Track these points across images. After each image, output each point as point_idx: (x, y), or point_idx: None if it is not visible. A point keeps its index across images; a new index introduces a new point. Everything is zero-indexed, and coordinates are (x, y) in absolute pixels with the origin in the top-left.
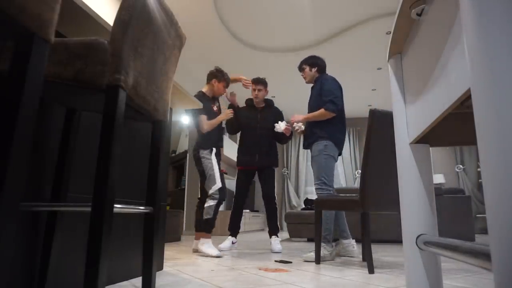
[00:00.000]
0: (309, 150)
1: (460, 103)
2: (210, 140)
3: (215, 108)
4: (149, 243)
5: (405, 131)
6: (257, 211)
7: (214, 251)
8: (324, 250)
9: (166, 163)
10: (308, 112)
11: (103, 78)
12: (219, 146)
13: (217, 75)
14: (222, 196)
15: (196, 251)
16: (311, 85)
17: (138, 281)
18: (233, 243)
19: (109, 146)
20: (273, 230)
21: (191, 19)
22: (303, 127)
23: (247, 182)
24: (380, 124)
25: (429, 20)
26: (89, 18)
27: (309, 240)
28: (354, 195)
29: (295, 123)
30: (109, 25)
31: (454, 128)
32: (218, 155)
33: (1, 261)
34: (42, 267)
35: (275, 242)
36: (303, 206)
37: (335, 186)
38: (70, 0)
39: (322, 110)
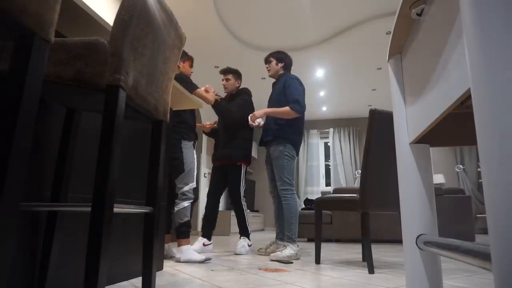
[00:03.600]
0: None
1: (460, 103)
2: (193, 130)
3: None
4: (149, 243)
5: (405, 131)
6: (257, 211)
7: (201, 256)
8: (290, 250)
9: (166, 163)
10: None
11: (103, 78)
12: (196, 139)
13: (181, 55)
14: (196, 197)
15: (178, 261)
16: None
17: (138, 281)
18: (204, 244)
19: (109, 146)
20: (241, 232)
21: (191, 19)
22: (262, 122)
23: (218, 178)
24: (380, 124)
25: (429, 20)
26: (89, 18)
27: (309, 240)
28: (354, 195)
29: (255, 121)
30: (109, 25)
31: (454, 128)
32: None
33: (1, 261)
34: (42, 267)
35: (240, 245)
36: (303, 206)
37: (335, 186)
38: (70, 0)
39: (287, 108)
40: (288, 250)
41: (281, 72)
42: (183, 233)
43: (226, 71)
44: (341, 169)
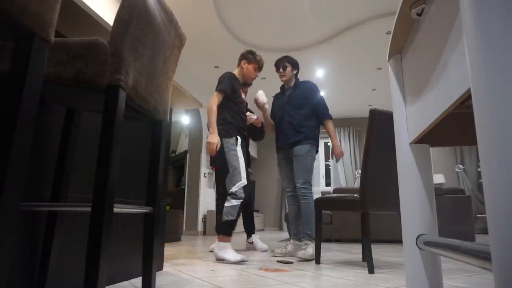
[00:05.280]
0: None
1: (460, 103)
2: (233, 125)
3: (243, 95)
4: (149, 243)
5: (405, 131)
6: (257, 211)
7: (235, 256)
8: (311, 248)
9: (166, 163)
10: (289, 113)
11: (103, 78)
12: (244, 133)
13: (247, 56)
14: (247, 195)
15: (212, 251)
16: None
17: (138, 281)
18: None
19: (109, 146)
20: (252, 229)
21: (191, 19)
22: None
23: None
24: (380, 124)
25: (429, 20)
26: (89, 18)
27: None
28: (354, 195)
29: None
30: (109, 25)
31: (454, 128)
32: (244, 146)
33: (1, 261)
34: (42, 267)
35: (259, 241)
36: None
37: (335, 186)
38: (70, 0)
39: (331, 125)
40: (311, 249)
41: (294, 78)
42: (223, 230)
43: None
44: (341, 169)
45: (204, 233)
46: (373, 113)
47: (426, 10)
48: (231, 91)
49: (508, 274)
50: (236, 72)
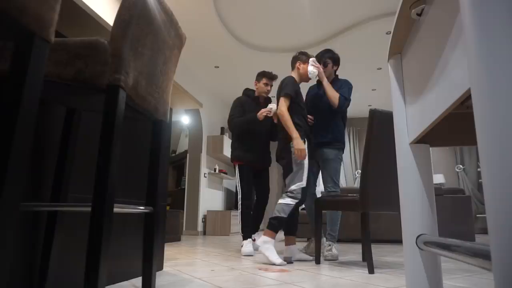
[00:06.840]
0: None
1: (460, 103)
2: (302, 129)
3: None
4: (149, 243)
5: (405, 131)
6: None
7: (277, 259)
8: (335, 250)
9: (166, 163)
10: (320, 113)
11: (103, 78)
12: (310, 135)
13: (300, 57)
14: (303, 198)
15: (256, 249)
16: (310, 84)
17: (138, 281)
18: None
19: (109, 146)
20: (254, 230)
21: (191, 19)
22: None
23: (251, 178)
24: (380, 124)
25: (429, 20)
26: (89, 18)
27: (309, 240)
28: (354, 195)
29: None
30: (109, 25)
31: (454, 128)
32: (309, 149)
33: (1, 261)
34: (42, 267)
35: (249, 244)
36: (303, 206)
37: None
38: (70, 0)
39: (337, 95)
40: (334, 250)
41: (333, 75)
42: (272, 226)
43: (274, 78)
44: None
45: (204, 233)
46: (373, 113)
47: (426, 10)
48: (295, 94)
49: (508, 274)
50: (293, 75)
